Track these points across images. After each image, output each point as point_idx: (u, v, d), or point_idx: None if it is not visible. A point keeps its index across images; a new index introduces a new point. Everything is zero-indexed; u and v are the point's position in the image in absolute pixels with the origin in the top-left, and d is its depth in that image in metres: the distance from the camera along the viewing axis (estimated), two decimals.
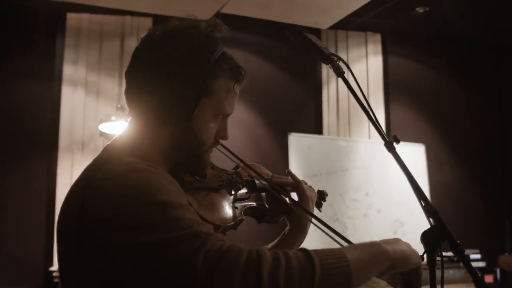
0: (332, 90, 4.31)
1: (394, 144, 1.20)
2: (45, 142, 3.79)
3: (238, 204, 1.28)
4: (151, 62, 1.09)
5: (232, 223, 1.20)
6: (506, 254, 4.34)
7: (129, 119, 1.14)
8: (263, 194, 1.37)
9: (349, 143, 4.12)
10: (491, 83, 4.89)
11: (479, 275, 1.19)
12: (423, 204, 1.13)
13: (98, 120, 3.66)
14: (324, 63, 1.25)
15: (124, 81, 1.15)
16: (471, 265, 1.12)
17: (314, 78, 4.33)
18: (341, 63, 1.23)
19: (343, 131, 4.28)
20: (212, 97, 1.11)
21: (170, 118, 1.09)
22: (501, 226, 4.63)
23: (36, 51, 3.85)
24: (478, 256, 4.17)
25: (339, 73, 1.22)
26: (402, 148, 3.56)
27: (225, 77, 1.12)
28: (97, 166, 1.01)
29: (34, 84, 3.83)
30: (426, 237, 1.14)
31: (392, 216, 3.99)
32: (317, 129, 4.24)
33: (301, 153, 3.83)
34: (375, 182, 3.99)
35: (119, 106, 3.63)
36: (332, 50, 3.51)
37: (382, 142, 3.64)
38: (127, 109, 1.15)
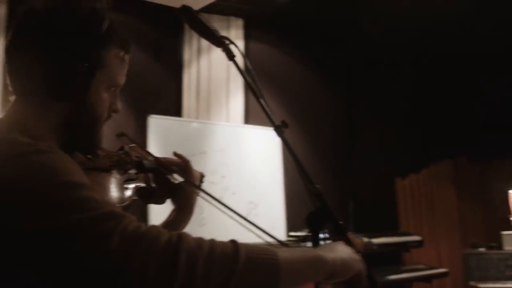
0: (193, 72, 4.79)
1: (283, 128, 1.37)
2: None
3: (128, 185, 1.37)
4: (37, 37, 1.11)
5: (124, 204, 1.28)
6: (350, 233, 5.28)
7: (13, 98, 1.15)
8: (150, 174, 1.49)
9: (208, 126, 4.59)
10: (341, 73, 5.81)
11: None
12: (309, 187, 1.31)
13: None
14: (216, 45, 1.37)
15: None
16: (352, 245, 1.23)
17: (175, 60, 4.76)
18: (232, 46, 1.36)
19: (203, 113, 4.81)
20: (106, 69, 1.17)
21: (64, 94, 1.12)
22: (345, 207, 5.58)
23: None
24: (326, 235, 5.03)
25: (231, 57, 1.36)
26: (259, 132, 4.41)
27: (116, 47, 1.19)
28: None
29: None
30: (311, 219, 1.30)
31: (247, 198, 4.52)
32: (177, 111, 4.69)
33: (161, 136, 4.21)
34: (231, 165, 4.49)
35: None
36: (194, 32, 4.08)
37: (239, 126, 4.45)
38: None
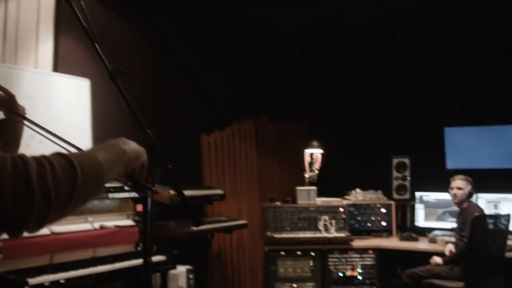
0: (0, 14, 4.59)
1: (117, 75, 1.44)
2: None
3: None
4: None
5: None
6: (156, 186, 5.42)
7: None
8: None
9: (15, 71, 4.41)
10: (155, 29, 5.91)
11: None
12: (140, 132, 1.44)
13: None
14: None
15: None
16: (179, 188, 1.53)
17: None
18: None
19: (9, 58, 4.63)
20: None
21: None
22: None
23: None
24: None
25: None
26: (68, 80, 4.39)
27: None
28: None
29: None
30: None
31: (54, 148, 4.53)
32: None
33: None
34: (39, 113, 4.40)
35: None
36: None
37: (49, 73, 4.38)
38: None
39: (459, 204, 5.79)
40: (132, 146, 1.32)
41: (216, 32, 6.64)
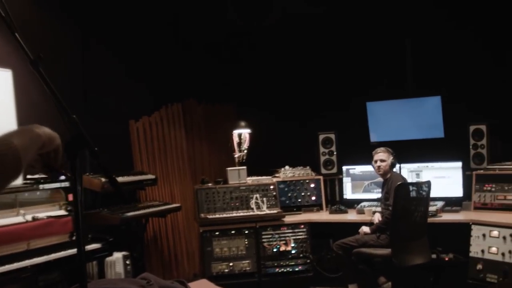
0: None
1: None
2: None
3: None
4: None
5: None
6: (87, 174, 5.35)
7: None
8: None
9: None
10: (72, 9, 5.87)
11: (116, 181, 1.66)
12: (65, 117, 1.48)
13: None
14: None
15: None
16: (108, 172, 1.60)
17: None
18: None
19: None
20: None
21: None
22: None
23: None
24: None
25: None
26: None
27: None
28: None
29: None
30: (68, 146, 1.47)
31: None
32: None
33: None
34: None
35: None
36: None
37: None
38: None
39: (383, 175, 6.03)
40: (45, 130, 1.37)
41: (140, 16, 6.63)
